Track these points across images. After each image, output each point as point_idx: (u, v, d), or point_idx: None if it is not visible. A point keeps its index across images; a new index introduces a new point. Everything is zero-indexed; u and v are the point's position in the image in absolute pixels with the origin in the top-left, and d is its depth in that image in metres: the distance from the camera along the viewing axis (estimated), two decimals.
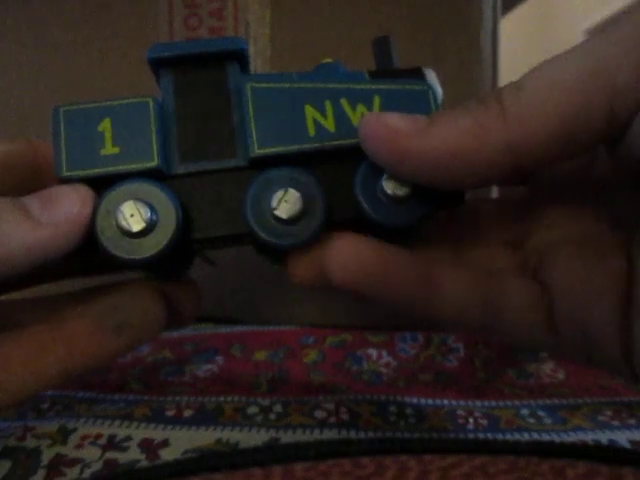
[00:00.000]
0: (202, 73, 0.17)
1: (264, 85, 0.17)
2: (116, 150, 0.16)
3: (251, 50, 0.32)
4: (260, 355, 0.29)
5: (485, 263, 0.19)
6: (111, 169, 0.16)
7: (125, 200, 0.15)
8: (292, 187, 0.16)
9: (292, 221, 0.16)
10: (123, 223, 0.15)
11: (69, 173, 0.16)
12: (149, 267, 0.17)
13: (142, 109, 0.16)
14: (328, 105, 0.17)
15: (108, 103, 0.16)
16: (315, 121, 0.16)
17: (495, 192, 0.33)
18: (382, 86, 0.17)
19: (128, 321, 0.17)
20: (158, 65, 0.17)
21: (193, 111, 0.17)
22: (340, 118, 0.17)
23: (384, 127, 0.15)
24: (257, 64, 0.32)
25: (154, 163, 0.16)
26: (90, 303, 0.18)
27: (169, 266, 0.19)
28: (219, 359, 0.29)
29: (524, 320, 0.16)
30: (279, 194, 0.15)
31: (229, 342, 0.31)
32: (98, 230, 0.15)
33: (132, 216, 0.15)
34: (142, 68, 0.32)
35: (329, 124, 0.17)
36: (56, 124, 0.16)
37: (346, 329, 0.32)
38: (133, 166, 0.16)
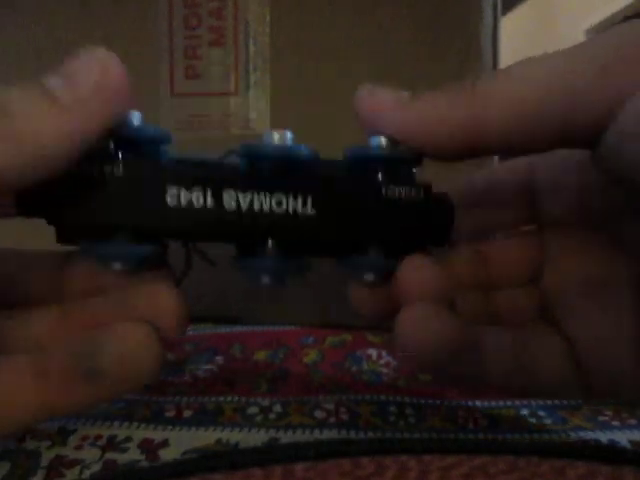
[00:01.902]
0: None
1: None
2: None
3: (251, 50, 0.32)
4: (260, 355, 0.29)
5: (509, 309, 0.19)
6: None
7: None
8: None
9: None
10: None
11: None
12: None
13: None
14: None
15: None
16: None
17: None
18: None
19: (103, 368, 0.14)
20: None
21: None
22: None
23: (373, 98, 0.16)
24: (257, 64, 0.32)
25: None
26: (74, 334, 0.16)
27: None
28: (219, 359, 0.29)
29: (557, 381, 0.17)
30: None
31: (229, 342, 0.31)
32: None
33: None
34: (142, 67, 0.32)
35: None
36: None
37: (346, 329, 0.32)
38: None
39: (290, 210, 0.16)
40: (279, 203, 0.16)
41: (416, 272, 0.16)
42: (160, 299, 0.16)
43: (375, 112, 0.16)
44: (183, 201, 0.16)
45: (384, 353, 0.29)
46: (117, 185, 0.15)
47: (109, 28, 0.32)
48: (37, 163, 0.13)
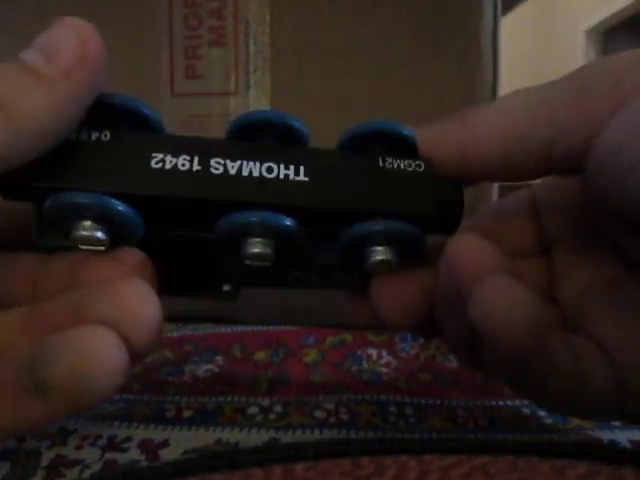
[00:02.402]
0: None
1: None
2: None
3: (251, 50, 0.32)
4: (260, 355, 0.29)
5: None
6: None
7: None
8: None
9: None
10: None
11: None
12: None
13: None
14: None
15: None
16: None
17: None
18: None
19: (53, 382, 0.12)
20: None
21: None
22: None
23: None
24: (257, 64, 0.32)
25: None
26: (33, 339, 0.13)
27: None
28: (219, 359, 0.29)
29: (603, 404, 0.15)
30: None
31: (229, 342, 0.31)
32: None
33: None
34: (142, 68, 0.32)
35: None
36: None
37: (346, 329, 0.32)
38: None
39: (281, 175, 0.16)
40: (270, 170, 0.16)
41: (473, 247, 0.15)
42: (126, 300, 0.13)
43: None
44: (168, 165, 0.15)
45: (384, 353, 0.29)
46: (103, 152, 0.15)
47: (109, 28, 0.32)
48: (34, 142, 0.13)
